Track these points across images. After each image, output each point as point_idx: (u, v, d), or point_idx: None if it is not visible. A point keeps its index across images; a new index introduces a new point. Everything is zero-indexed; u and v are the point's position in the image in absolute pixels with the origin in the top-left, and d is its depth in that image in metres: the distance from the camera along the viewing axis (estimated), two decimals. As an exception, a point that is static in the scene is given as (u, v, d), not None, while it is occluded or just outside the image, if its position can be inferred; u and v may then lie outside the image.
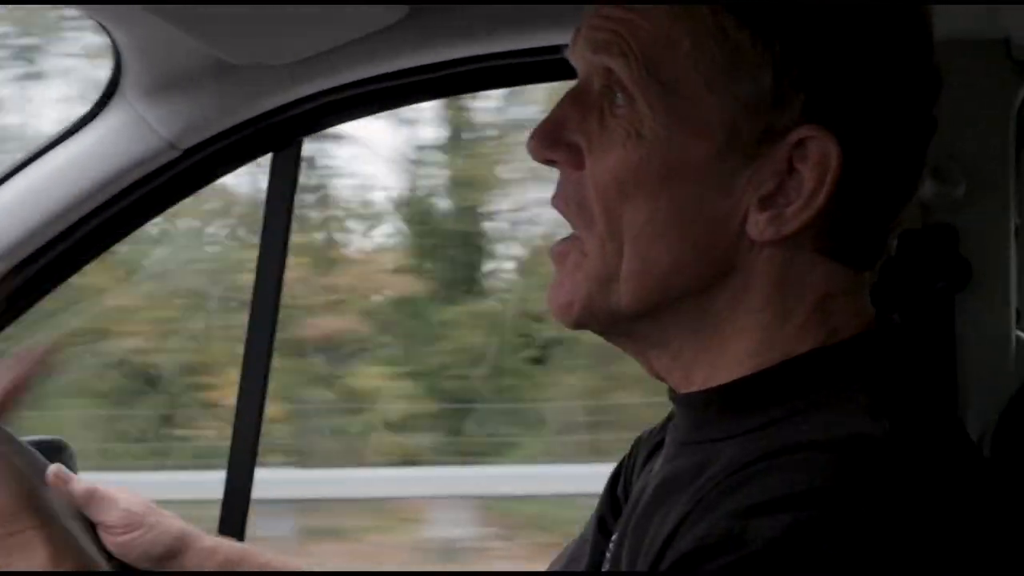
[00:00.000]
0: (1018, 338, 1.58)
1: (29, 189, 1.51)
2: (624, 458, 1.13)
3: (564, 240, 0.89)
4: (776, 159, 0.81)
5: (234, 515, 1.67)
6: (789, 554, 0.71)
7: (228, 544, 1.29)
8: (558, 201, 0.88)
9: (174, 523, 1.25)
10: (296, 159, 1.61)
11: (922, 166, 0.87)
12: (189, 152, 1.52)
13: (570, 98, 0.87)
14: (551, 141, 0.86)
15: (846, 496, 0.73)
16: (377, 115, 1.59)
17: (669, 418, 1.02)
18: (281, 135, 1.57)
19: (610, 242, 0.84)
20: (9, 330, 1.56)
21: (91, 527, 1.22)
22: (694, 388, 0.88)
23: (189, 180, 1.56)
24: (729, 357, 0.86)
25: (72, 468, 1.26)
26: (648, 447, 1.08)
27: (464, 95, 1.43)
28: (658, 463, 0.97)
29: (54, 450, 1.27)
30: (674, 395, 0.92)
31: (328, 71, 1.47)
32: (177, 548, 1.23)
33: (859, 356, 0.84)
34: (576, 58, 0.88)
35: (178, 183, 1.55)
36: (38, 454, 1.23)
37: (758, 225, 0.82)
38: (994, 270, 1.54)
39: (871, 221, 0.85)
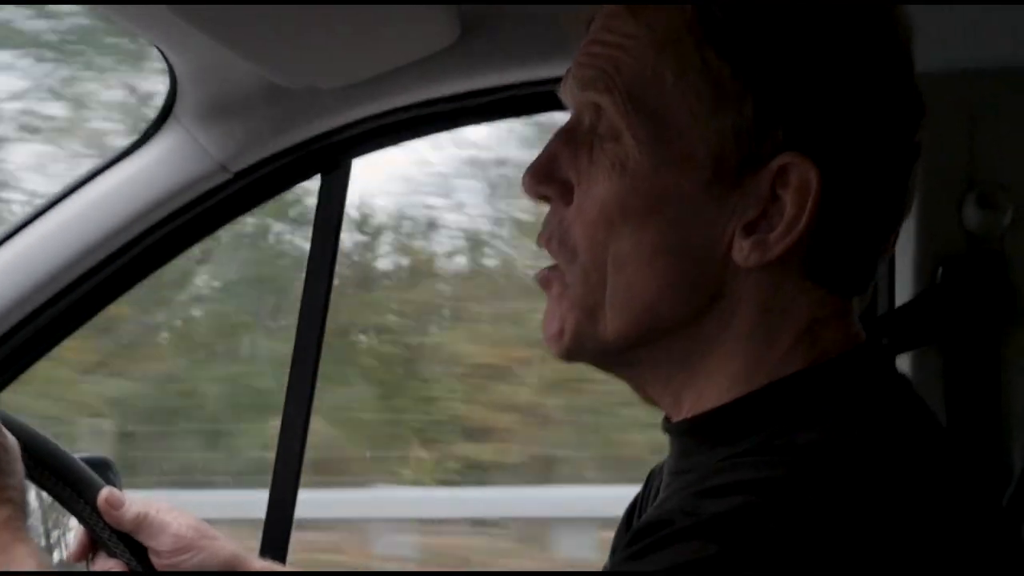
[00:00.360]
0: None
1: (83, 209, 1.53)
2: (640, 491, 1.13)
3: (545, 268, 0.90)
4: (759, 187, 0.83)
5: (277, 534, 1.68)
6: (733, 529, 0.73)
7: (278, 569, 1.29)
8: (543, 238, 0.90)
9: (226, 546, 1.25)
10: (344, 181, 1.63)
11: (906, 193, 0.88)
12: (240, 175, 1.54)
13: (562, 135, 0.89)
14: (544, 177, 0.88)
15: (797, 489, 0.75)
16: (425, 137, 1.60)
17: None
18: (331, 157, 1.59)
19: (593, 272, 0.86)
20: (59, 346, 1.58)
21: (141, 550, 1.24)
22: (683, 414, 0.89)
23: (239, 202, 1.58)
24: (717, 382, 0.87)
25: (117, 485, 1.27)
26: (659, 479, 1.08)
27: (513, 118, 1.43)
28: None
29: (100, 467, 1.29)
30: (665, 425, 0.94)
31: (379, 95, 1.49)
32: (227, 570, 1.24)
33: (839, 374, 0.85)
34: (566, 96, 0.90)
35: (228, 205, 1.57)
36: (91, 471, 1.24)
37: (743, 251, 0.84)
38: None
39: (855, 246, 0.86)
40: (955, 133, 1.56)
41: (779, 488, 0.75)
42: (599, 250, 0.85)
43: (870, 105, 0.84)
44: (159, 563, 1.22)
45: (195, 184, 1.53)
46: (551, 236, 0.89)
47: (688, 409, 0.89)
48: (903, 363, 1.62)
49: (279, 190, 1.60)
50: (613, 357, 0.89)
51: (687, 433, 0.90)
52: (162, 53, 1.41)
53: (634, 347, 0.87)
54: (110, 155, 1.54)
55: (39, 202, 1.53)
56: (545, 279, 0.90)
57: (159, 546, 1.22)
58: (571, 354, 0.89)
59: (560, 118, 0.92)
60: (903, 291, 1.61)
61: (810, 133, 0.82)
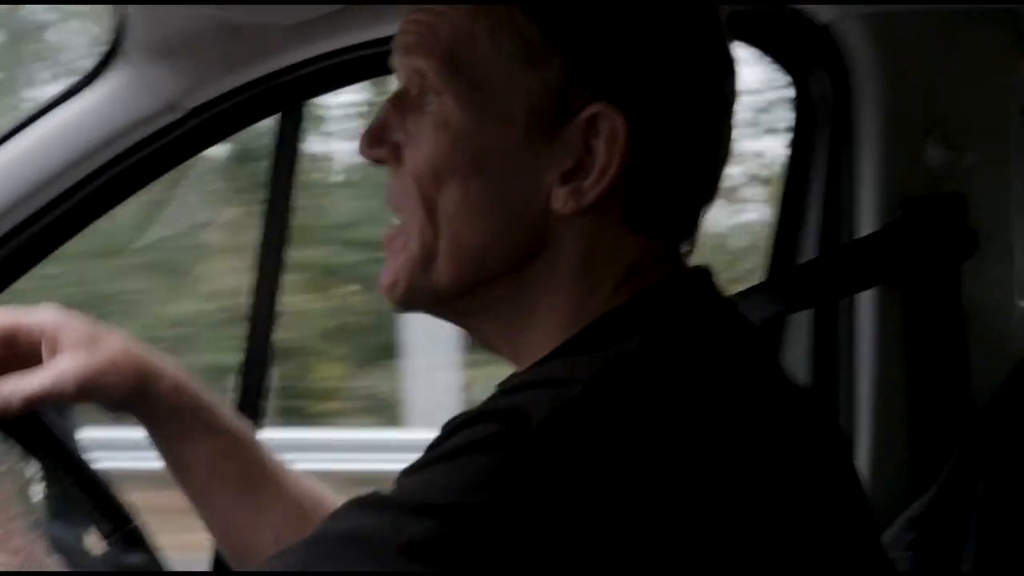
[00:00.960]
0: (1021, 308, 1.58)
1: (29, 149, 1.48)
2: None
3: (392, 227, 0.95)
4: (572, 138, 0.88)
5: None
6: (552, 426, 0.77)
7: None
8: (389, 199, 0.95)
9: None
10: (299, 122, 1.60)
11: (719, 142, 0.92)
12: (192, 113, 1.50)
13: (391, 101, 0.94)
14: (375, 141, 0.94)
15: (596, 390, 0.79)
16: (384, 76, 1.57)
17: None
18: (286, 98, 1.55)
19: (428, 226, 0.91)
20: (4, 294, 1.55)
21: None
22: (523, 364, 0.93)
23: (192, 142, 1.53)
24: (548, 329, 0.91)
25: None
26: None
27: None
28: None
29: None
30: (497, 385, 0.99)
31: (335, 32, 1.46)
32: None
33: (659, 300, 0.90)
34: (395, 64, 0.95)
35: (180, 145, 1.52)
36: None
37: (560, 199, 0.89)
38: (1001, 240, 1.54)
39: (671, 193, 0.91)
40: (918, 73, 1.56)
41: (585, 381, 0.79)
42: (430, 205, 0.91)
43: (674, 57, 0.89)
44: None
45: (146, 122, 1.49)
46: (394, 194, 0.94)
47: (526, 356, 0.92)
48: (865, 299, 1.63)
49: (235, 129, 1.56)
50: (446, 305, 0.94)
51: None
52: (109, -14, 1.36)
53: (465, 296, 0.92)
54: (56, 94, 1.50)
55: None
56: (389, 237, 0.95)
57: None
58: (405, 303, 0.94)
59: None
60: (865, 229, 1.61)
61: (616, 84, 0.87)
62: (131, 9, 1.40)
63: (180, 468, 1.20)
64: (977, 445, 1.46)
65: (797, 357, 1.73)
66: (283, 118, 1.61)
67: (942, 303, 1.54)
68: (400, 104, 0.93)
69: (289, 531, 1.20)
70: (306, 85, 1.56)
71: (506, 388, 0.84)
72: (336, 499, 1.25)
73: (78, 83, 1.49)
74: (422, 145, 0.91)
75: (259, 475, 1.20)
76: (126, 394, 1.13)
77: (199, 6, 1.37)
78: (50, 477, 1.29)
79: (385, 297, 0.95)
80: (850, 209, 1.62)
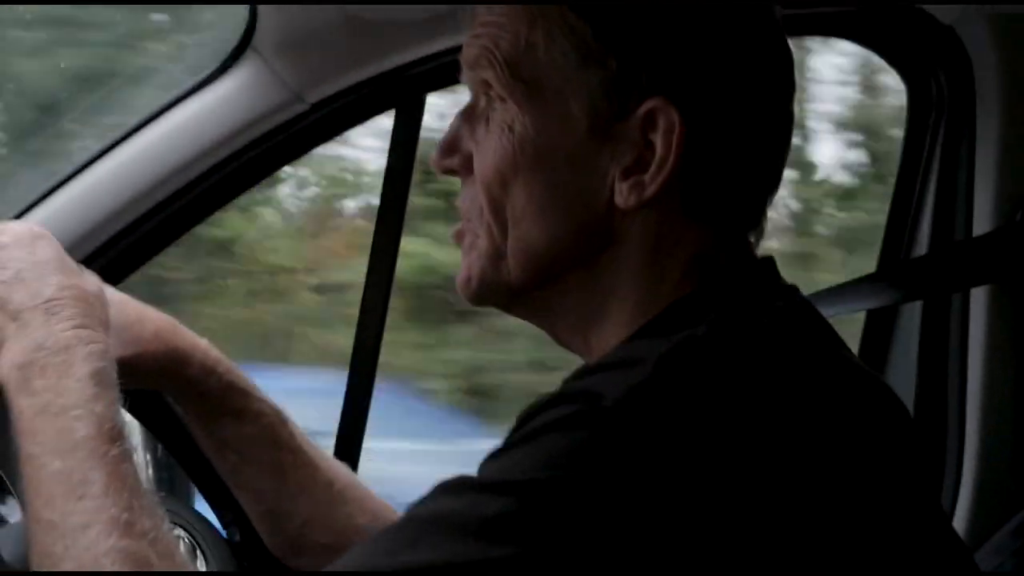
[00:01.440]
0: None
1: (160, 139, 1.54)
2: None
3: (459, 225, 0.99)
4: (631, 133, 0.91)
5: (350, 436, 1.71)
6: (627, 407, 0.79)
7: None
8: (461, 204, 0.98)
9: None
10: (419, 115, 1.63)
11: (776, 132, 0.94)
12: (317, 106, 1.55)
13: (462, 114, 0.98)
14: (447, 153, 0.98)
15: (671, 376, 0.81)
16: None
17: None
18: (407, 91, 1.59)
19: (496, 225, 0.94)
20: (133, 277, 1.60)
21: None
22: (594, 356, 0.95)
23: (315, 133, 1.58)
24: (616, 320, 0.94)
25: None
26: None
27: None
28: None
29: None
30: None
31: (456, 28, 1.47)
32: None
33: (714, 291, 0.92)
34: (464, 79, 0.99)
35: (305, 136, 1.57)
36: None
37: (622, 193, 0.91)
38: None
39: (729, 183, 0.93)
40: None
41: (655, 360, 0.82)
42: (498, 206, 0.94)
43: (727, 48, 0.91)
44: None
45: (272, 115, 1.54)
46: (464, 200, 0.97)
47: (596, 352, 0.95)
48: (977, 298, 1.62)
49: (354, 122, 1.60)
50: (518, 301, 0.97)
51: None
52: (242, -17, 1.41)
53: (535, 292, 0.96)
54: (188, 85, 1.55)
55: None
56: (458, 233, 0.98)
57: None
58: (479, 298, 0.97)
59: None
60: (980, 229, 1.60)
61: (671, 79, 0.90)
62: (262, 5, 1.45)
63: (212, 449, 1.22)
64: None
65: (907, 351, 1.73)
66: (399, 113, 1.64)
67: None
68: (470, 116, 0.97)
69: (317, 517, 1.22)
70: (425, 80, 1.59)
71: (581, 371, 0.87)
72: (363, 483, 1.29)
73: (209, 76, 1.54)
74: (489, 150, 0.94)
75: (291, 461, 1.22)
76: (156, 376, 1.15)
77: (326, 4, 1.42)
78: (176, 460, 1.33)
79: (461, 292, 0.98)
80: (966, 209, 1.61)
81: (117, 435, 0.92)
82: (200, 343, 1.19)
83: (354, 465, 1.68)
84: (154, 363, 1.14)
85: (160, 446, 1.45)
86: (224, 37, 1.54)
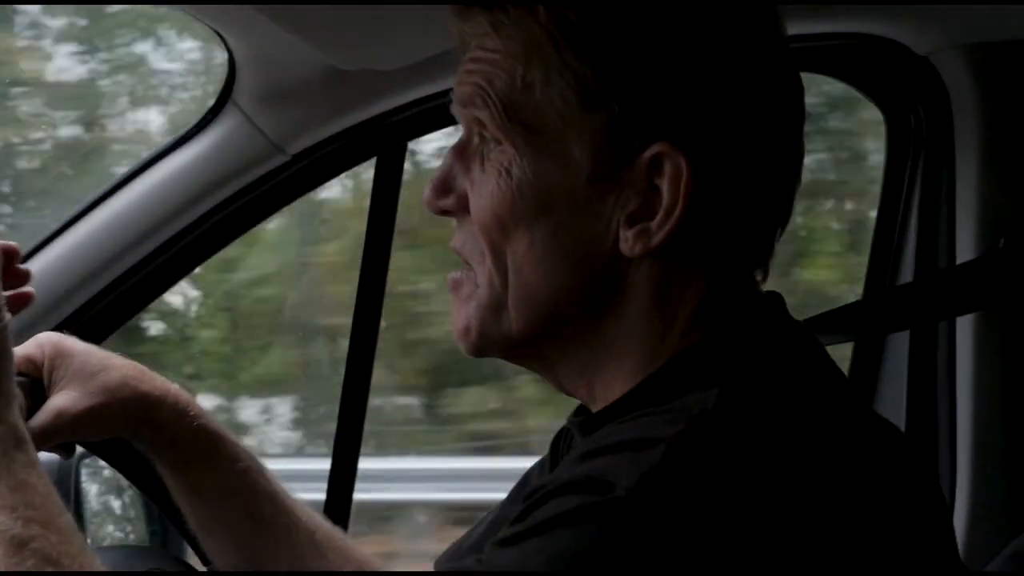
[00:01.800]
0: None
1: (143, 193, 1.54)
2: (546, 456, 1.17)
3: (458, 271, 0.95)
4: (636, 179, 0.87)
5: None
6: (643, 493, 0.76)
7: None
8: (458, 243, 0.94)
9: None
10: (400, 162, 1.63)
11: (787, 169, 0.90)
12: (298, 157, 1.55)
13: (454, 151, 0.93)
14: (441, 192, 0.93)
15: (684, 445, 0.78)
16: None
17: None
18: (386, 139, 1.59)
19: (497, 274, 0.90)
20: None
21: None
22: (596, 405, 0.93)
23: (297, 184, 1.59)
24: (624, 369, 0.90)
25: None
26: (564, 444, 1.12)
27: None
28: None
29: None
30: (571, 421, 0.99)
31: (436, 75, 1.49)
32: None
33: (736, 337, 0.88)
34: (455, 114, 0.94)
35: (286, 187, 1.58)
36: None
37: (628, 241, 0.87)
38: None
39: (739, 226, 0.89)
40: (1018, 103, 1.55)
41: (668, 443, 0.78)
42: (498, 253, 0.90)
43: (734, 90, 0.87)
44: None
45: (253, 167, 1.54)
46: (464, 241, 0.93)
47: (602, 397, 0.92)
48: (964, 327, 1.62)
49: (335, 172, 1.61)
50: (520, 351, 0.94)
51: (584, 428, 0.93)
52: (221, 38, 1.41)
53: (538, 342, 0.92)
54: (170, 140, 1.56)
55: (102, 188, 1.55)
56: (455, 281, 0.94)
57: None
58: (479, 350, 0.93)
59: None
60: (963, 258, 1.61)
61: (676, 122, 0.86)
62: (241, 58, 1.45)
63: (185, 497, 1.18)
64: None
65: (896, 380, 1.73)
66: (380, 160, 1.64)
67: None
68: (463, 154, 0.92)
69: (300, 563, 1.18)
70: (406, 128, 1.59)
71: (586, 454, 0.82)
72: (343, 534, 1.25)
73: (191, 130, 1.55)
74: (485, 193, 0.90)
75: (269, 510, 1.18)
76: (125, 424, 1.11)
77: (309, 53, 1.42)
78: (159, 507, 1.31)
79: (459, 342, 0.94)
80: (948, 237, 1.62)
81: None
82: (170, 388, 1.15)
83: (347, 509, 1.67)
84: (122, 411, 1.10)
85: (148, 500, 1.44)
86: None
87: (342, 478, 1.71)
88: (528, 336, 0.91)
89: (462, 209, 0.92)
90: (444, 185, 0.93)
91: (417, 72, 1.49)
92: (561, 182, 0.88)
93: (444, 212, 0.94)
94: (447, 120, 1.60)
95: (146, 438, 1.15)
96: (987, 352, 1.62)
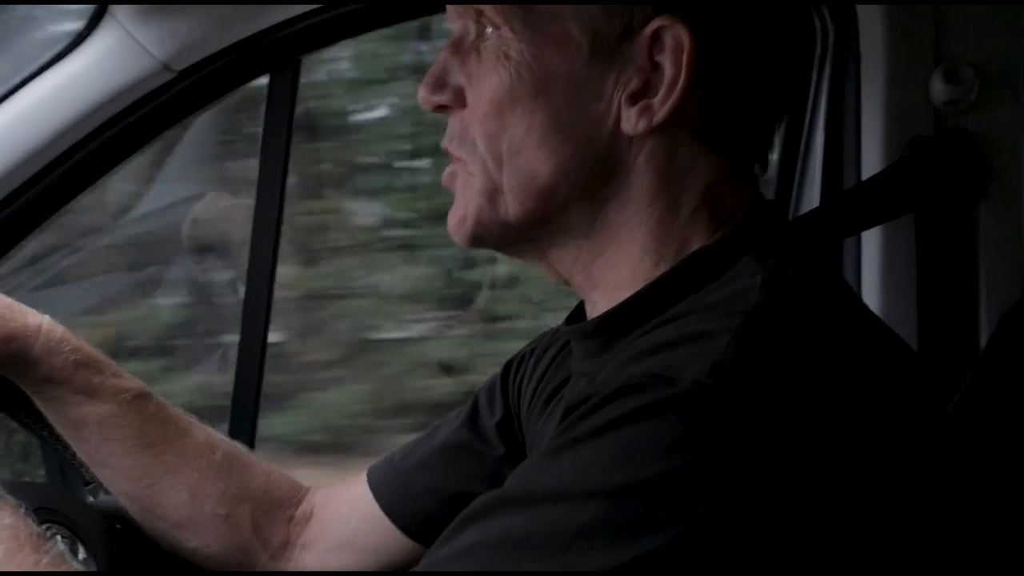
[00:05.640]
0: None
1: (16, 116, 1.45)
2: (493, 381, 1.20)
3: (450, 165, 0.94)
4: (637, 55, 0.86)
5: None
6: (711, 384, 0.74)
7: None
8: (447, 142, 0.94)
9: None
10: (294, 81, 1.56)
11: (785, 51, 0.90)
12: (184, 74, 1.47)
13: (449, 47, 0.93)
14: (436, 87, 0.92)
15: (764, 324, 0.78)
16: (375, 31, 1.54)
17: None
18: (279, 55, 1.52)
19: (491, 160, 0.90)
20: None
21: None
22: (596, 293, 0.93)
23: (184, 103, 1.50)
24: (627, 254, 0.90)
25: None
26: (522, 372, 1.15)
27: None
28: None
29: None
30: (568, 328, 0.98)
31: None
32: None
33: (744, 238, 0.88)
34: (452, 16, 0.94)
35: (173, 106, 1.49)
36: None
37: (630, 120, 0.87)
38: (1010, 173, 1.53)
39: (742, 108, 0.89)
40: (921, 10, 1.53)
41: (731, 334, 0.77)
42: (495, 139, 0.89)
43: None
44: None
45: (137, 85, 1.45)
46: (452, 138, 0.93)
47: (604, 283, 0.92)
48: (873, 236, 1.62)
49: (226, 90, 1.52)
50: (516, 238, 0.93)
51: (594, 334, 0.93)
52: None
53: (536, 226, 0.91)
54: (44, 58, 1.46)
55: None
56: (450, 175, 0.94)
57: None
58: (475, 239, 0.92)
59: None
60: (870, 169, 1.60)
61: None
62: (117, -32, 1.37)
63: (69, 432, 1.17)
64: (981, 387, 1.45)
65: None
66: (273, 77, 1.57)
67: (953, 238, 1.53)
68: (458, 48, 0.92)
69: (204, 485, 1.18)
70: (299, 42, 1.52)
71: (634, 355, 0.80)
72: (245, 449, 1.24)
73: (65, 47, 1.45)
74: (484, 81, 0.89)
75: (160, 435, 1.17)
76: None
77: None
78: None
79: (453, 235, 0.93)
80: (855, 150, 1.60)
81: None
82: (42, 323, 1.13)
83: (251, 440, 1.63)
84: None
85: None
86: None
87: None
88: (526, 222, 0.90)
89: (457, 103, 0.92)
90: (439, 80, 0.92)
91: (307, -18, 1.42)
92: (560, 63, 0.87)
93: (439, 108, 0.93)
94: (339, 34, 1.54)
95: (21, 375, 1.13)
96: (897, 263, 1.62)
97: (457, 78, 0.92)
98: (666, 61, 0.85)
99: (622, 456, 0.73)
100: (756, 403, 0.74)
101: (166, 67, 1.46)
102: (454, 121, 0.93)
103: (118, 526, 1.26)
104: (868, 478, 0.76)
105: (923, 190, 1.52)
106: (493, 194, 0.90)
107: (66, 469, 1.41)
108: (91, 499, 1.32)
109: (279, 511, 1.24)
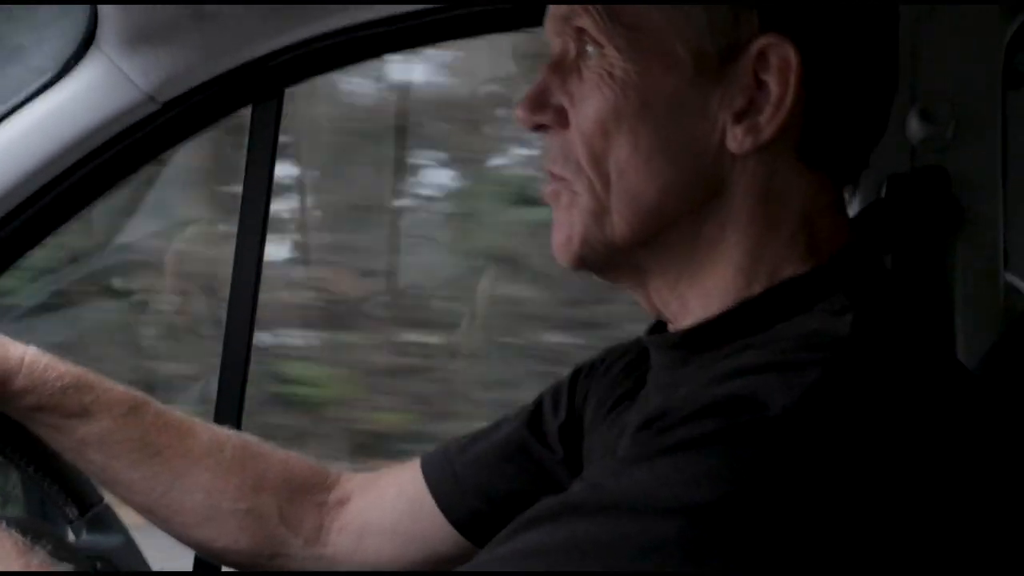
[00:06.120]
0: (1006, 280, 1.58)
1: (1, 146, 1.46)
2: (561, 387, 1.19)
3: (552, 182, 0.93)
4: (743, 74, 0.86)
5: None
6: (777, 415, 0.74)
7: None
8: (549, 163, 0.93)
9: None
10: (278, 111, 1.57)
11: (888, 69, 0.91)
12: (169, 105, 1.48)
13: (550, 67, 0.92)
14: (537, 107, 0.92)
15: (835, 377, 0.77)
16: (361, 63, 1.56)
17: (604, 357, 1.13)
18: (263, 86, 1.53)
19: (598, 180, 0.89)
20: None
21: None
22: (689, 318, 0.92)
23: (169, 134, 1.51)
24: (721, 275, 0.90)
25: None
26: (588, 383, 1.14)
27: (453, 40, 1.38)
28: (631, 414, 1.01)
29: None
30: (649, 338, 0.98)
31: (312, 18, 1.44)
32: None
33: (839, 272, 0.88)
34: (551, 35, 0.93)
35: (158, 137, 1.50)
36: None
37: (736, 138, 0.87)
38: (984, 212, 1.54)
39: (845, 126, 0.89)
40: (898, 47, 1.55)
41: (822, 366, 0.77)
42: (601, 160, 0.89)
43: None
44: None
45: (121, 116, 1.46)
46: (555, 159, 0.92)
47: (693, 314, 0.91)
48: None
49: (210, 121, 1.53)
50: (619, 261, 0.92)
51: (679, 345, 0.92)
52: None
53: (641, 248, 0.90)
54: (30, 89, 1.47)
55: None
56: (554, 192, 0.93)
57: None
58: (580, 260, 0.92)
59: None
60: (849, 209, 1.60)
61: (783, 14, 0.85)
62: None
63: (75, 457, 1.16)
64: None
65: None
66: (255, 108, 1.58)
67: (928, 277, 1.53)
68: (559, 68, 0.91)
69: (218, 483, 1.16)
70: (283, 73, 1.53)
71: (721, 375, 0.79)
72: (256, 440, 1.22)
73: (51, 78, 1.46)
74: (588, 101, 0.89)
75: (163, 441, 1.16)
76: None
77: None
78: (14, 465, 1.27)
79: (559, 255, 0.93)
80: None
81: None
82: (24, 353, 1.13)
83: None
84: None
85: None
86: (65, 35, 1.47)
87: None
88: (631, 242, 0.90)
89: (558, 123, 0.91)
90: (539, 100, 0.92)
91: (293, 14, 1.43)
92: (665, 82, 0.87)
93: (539, 127, 0.93)
94: (324, 65, 1.56)
95: (6, 406, 1.13)
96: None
97: (559, 98, 0.91)
98: (772, 79, 0.85)
99: (703, 475, 0.73)
100: (841, 437, 0.74)
101: (151, 98, 1.47)
102: (555, 141, 0.92)
103: (98, 565, 1.25)
104: (931, 524, 0.76)
105: (898, 229, 1.53)
106: (600, 214, 0.90)
107: (47, 504, 1.40)
108: (72, 537, 1.31)
109: (306, 497, 1.22)
